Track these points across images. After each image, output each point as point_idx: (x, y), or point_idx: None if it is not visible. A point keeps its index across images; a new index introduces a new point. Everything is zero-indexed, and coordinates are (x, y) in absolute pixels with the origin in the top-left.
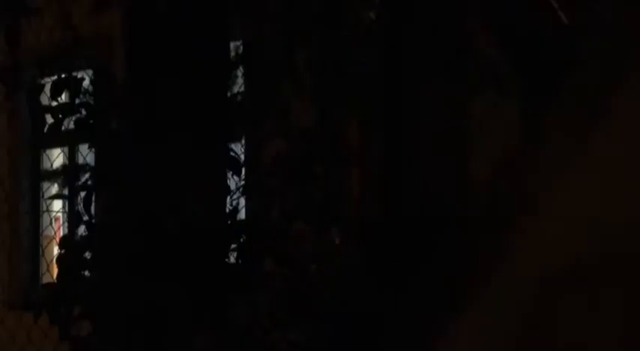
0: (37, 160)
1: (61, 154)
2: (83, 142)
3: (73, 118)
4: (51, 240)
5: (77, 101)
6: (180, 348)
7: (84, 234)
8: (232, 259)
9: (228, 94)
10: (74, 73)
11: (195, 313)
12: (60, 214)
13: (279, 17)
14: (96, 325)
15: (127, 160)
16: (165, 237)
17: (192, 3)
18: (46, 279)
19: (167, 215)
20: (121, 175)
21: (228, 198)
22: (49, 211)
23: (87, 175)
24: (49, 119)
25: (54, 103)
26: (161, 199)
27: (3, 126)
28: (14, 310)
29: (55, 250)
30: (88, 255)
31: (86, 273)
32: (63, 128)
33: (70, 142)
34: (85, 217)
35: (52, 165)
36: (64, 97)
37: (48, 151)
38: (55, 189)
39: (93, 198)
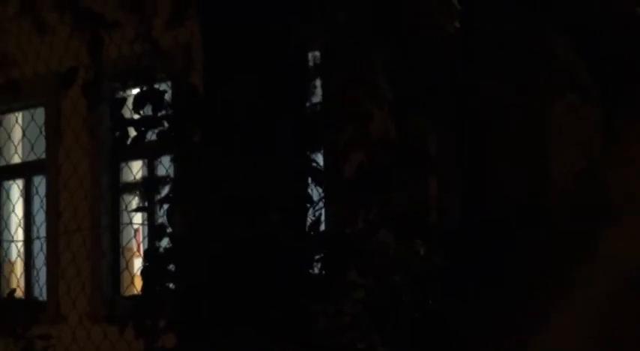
0: (117, 173)
1: (141, 167)
2: (165, 154)
3: (156, 131)
4: (133, 253)
5: (159, 114)
6: None
7: (168, 246)
8: (316, 270)
9: (307, 104)
10: (155, 86)
11: (279, 324)
12: (140, 227)
13: (357, 26)
14: (181, 338)
15: (208, 172)
16: (248, 248)
17: (269, 13)
18: (128, 292)
19: (250, 227)
20: (202, 187)
21: (311, 209)
22: (130, 224)
23: (168, 188)
24: (132, 132)
25: (136, 116)
26: (243, 211)
27: (84, 139)
28: (98, 323)
29: (137, 263)
30: (172, 267)
31: (171, 285)
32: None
33: (152, 154)
34: (169, 230)
35: (134, 177)
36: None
37: (128, 164)
38: (135, 202)
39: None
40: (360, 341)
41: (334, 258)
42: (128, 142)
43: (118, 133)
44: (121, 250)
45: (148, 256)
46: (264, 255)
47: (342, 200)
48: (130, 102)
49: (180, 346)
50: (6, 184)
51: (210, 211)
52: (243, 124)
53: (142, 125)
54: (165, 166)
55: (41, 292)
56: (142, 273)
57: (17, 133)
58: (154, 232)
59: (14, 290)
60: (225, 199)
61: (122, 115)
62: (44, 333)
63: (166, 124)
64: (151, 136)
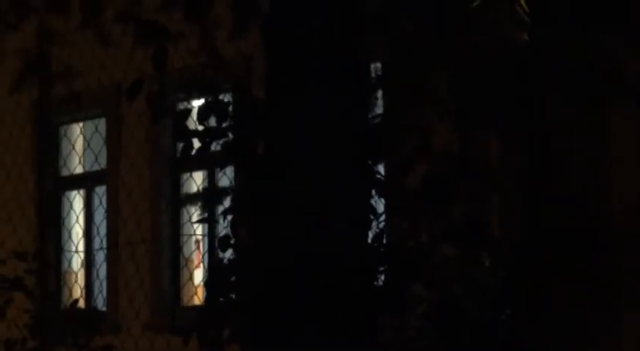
0: (178, 184)
1: (203, 178)
2: (229, 165)
3: (220, 142)
4: (195, 264)
5: (223, 124)
6: None
7: (231, 257)
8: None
9: (369, 116)
10: (220, 97)
11: (344, 336)
12: (202, 239)
13: (421, 38)
14: (245, 348)
15: (271, 183)
16: (313, 260)
17: (333, 24)
18: (190, 303)
19: (314, 239)
20: (265, 199)
21: (374, 221)
22: (191, 235)
23: (230, 199)
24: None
25: (200, 127)
26: (307, 222)
27: (146, 150)
28: (160, 334)
29: (198, 274)
30: (235, 278)
31: (233, 296)
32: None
33: (214, 165)
34: (233, 241)
35: (197, 188)
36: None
37: (190, 175)
38: (196, 213)
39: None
40: None
41: (398, 270)
42: (192, 153)
43: (182, 144)
44: (182, 261)
45: (211, 268)
46: (328, 267)
47: (405, 212)
48: (194, 113)
49: None
50: (69, 194)
51: (274, 223)
52: (305, 135)
53: (206, 136)
54: (228, 177)
55: (103, 302)
56: (206, 284)
57: (80, 144)
58: (218, 243)
59: (77, 301)
60: (289, 210)
61: (186, 126)
62: (104, 343)
63: (230, 135)
64: (215, 146)
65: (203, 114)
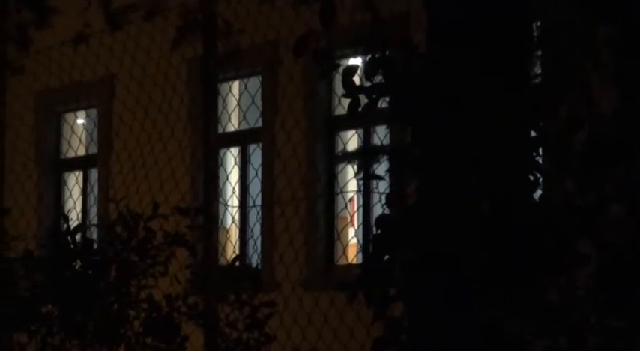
0: (332, 142)
1: (355, 137)
2: (396, 121)
3: (385, 99)
4: (347, 222)
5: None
6: (493, 329)
7: (394, 215)
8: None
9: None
10: (387, 53)
11: (507, 295)
12: (355, 196)
13: None
14: (410, 306)
15: (437, 142)
16: (482, 219)
17: None
18: (341, 261)
19: (482, 197)
20: (433, 156)
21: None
22: (343, 192)
23: (387, 157)
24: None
25: (366, 84)
26: (474, 181)
27: (299, 109)
28: (310, 291)
29: (350, 232)
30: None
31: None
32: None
33: (374, 122)
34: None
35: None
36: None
37: (340, 134)
38: (350, 172)
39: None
40: (593, 316)
41: (566, 229)
42: (360, 109)
43: (350, 101)
44: (334, 219)
45: (378, 224)
46: (496, 226)
47: (572, 172)
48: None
49: (409, 316)
50: (221, 152)
51: (442, 181)
52: (467, 94)
53: (374, 92)
54: (379, 136)
55: (254, 260)
56: (373, 240)
57: (232, 102)
58: (386, 200)
59: (237, 258)
60: (455, 169)
61: (354, 83)
62: (264, 300)
63: (397, 91)
64: (381, 103)
65: (370, 70)
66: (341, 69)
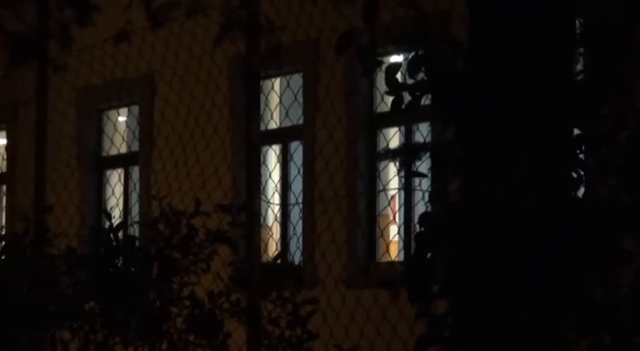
0: (373, 140)
1: (397, 134)
2: (439, 119)
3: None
4: (388, 220)
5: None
6: (537, 328)
7: (439, 212)
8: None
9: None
10: (429, 50)
11: (551, 293)
12: (397, 194)
13: None
14: (453, 304)
15: (480, 139)
16: (525, 217)
17: None
18: (383, 259)
19: (523, 197)
20: (475, 154)
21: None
22: (385, 190)
23: (428, 154)
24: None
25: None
26: (516, 181)
27: (341, 106)
28: (352, 289)
29: (392, 230)
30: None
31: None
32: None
33: (425, 119)
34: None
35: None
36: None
37: (383, 131)
38: (392, 169)
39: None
40: (638, 314)
41: (610, 227)
42: (402, 107)
43: (392, 99)
44: (376, 217)
45: (422, 222)
46: (540, 224)
47: (616, 170)
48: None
49: (452, 313)
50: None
51: (484, 179)
52: (510, 92)
53: (416, 90)
54: (422, 133)
55: (296, 257)
56: (416, 237)
57: (274, 99)
58: (430, 197)
59: (279, 255)
60: (498, 167)
61: (397, 80)
62: (307, 297)
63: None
64: (424, 100)
65: (413, 68)
66: (383, 66)
